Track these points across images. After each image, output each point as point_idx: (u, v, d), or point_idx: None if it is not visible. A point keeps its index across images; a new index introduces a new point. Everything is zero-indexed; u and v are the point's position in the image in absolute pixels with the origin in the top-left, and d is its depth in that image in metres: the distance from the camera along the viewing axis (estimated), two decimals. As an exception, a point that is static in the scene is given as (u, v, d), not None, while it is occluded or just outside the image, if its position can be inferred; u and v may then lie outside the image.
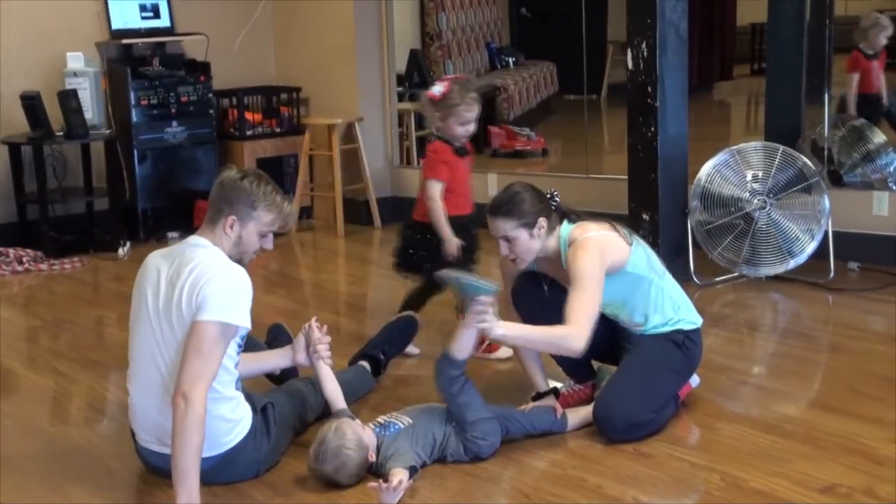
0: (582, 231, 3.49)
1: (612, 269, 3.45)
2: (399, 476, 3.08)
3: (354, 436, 3.20)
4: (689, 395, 3.74)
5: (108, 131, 6.84)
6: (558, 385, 3.77)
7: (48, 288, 5.94)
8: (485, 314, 3.21)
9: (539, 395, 3.67)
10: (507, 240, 3.47)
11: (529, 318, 3.50)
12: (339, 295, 5.78)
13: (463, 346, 3.30)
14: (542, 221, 3.46)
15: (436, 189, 4.17)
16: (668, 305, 3.59)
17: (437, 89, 4.12)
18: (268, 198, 3.23)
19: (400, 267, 4.42)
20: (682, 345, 3.58)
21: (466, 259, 4.20)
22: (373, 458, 3.22)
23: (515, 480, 3.24)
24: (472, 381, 3.37)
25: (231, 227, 3.20)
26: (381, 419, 3.39)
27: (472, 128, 4.18)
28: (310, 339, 3.54)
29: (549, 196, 3.57)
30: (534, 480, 3.24)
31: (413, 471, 3.18)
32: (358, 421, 3.32)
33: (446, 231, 4.16)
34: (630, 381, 3.50)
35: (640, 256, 3.54)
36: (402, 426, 3.33)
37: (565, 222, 3.55)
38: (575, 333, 3.30)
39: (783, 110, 6.21)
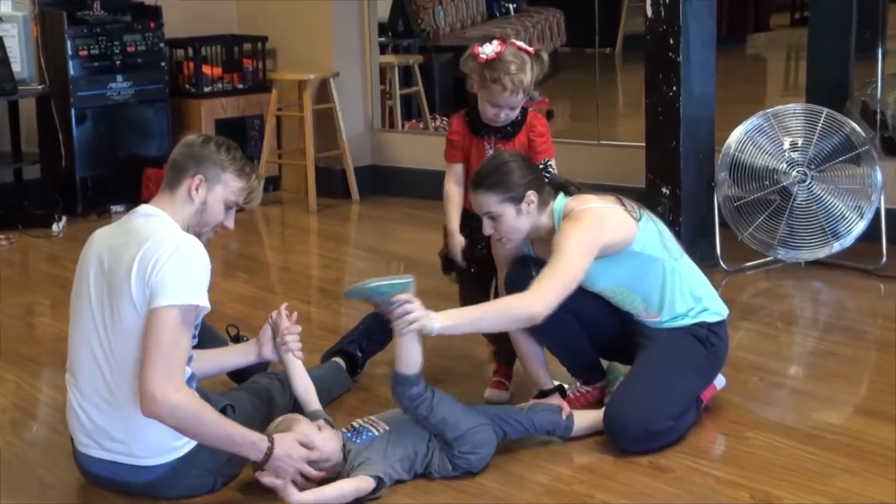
0: (580, 202, 3.50)
1: (616, 248, 3.46)
2: (356, 482, 3.12)
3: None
4: (714, 398, 3.75)
5: (40, 87, 6.80)
6: (564, 385, 3.78)
7: (-30, 270, 5.93)
8: (410, 313, 3.20)
9: (543, 394, 3.68)
10: (492, 217, 3.47)
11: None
12: (310, 280, 5.78)
13: (408, 358, 3.28)
14: (532, 196, 3.46)
15: (448, 172, 3.92)
16: (686, 293, 3.59)
17: (488, 49, 3.70)
18: (237, 163, 3.27)
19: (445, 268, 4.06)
20: (706, 340, 3.58)
21: (481, 268, 3.90)
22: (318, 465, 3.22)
23: (513, 497, 3.25)
24: (439, 390, 3.36)
25: (197, 189, 3.22)
26: (355, 423, 3.40)
27: (505, 115, 3.77)
28: (277, 329, 3.54)
29: (541, 167, 3.56)
30: (534, 497, 3.25)
31: (380, 483, 3.18)
32: (327, 425, 3.33)
33: (449, 223, 3.88)
34: (646, 383, 3.50)
35: (652, 234, 3.54)
36: (375, 433, 3.33)
37: (561, 195, 3.55)
38: (531, 298, 3.31)
39: (828, 67, 6.20)
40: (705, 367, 3.62)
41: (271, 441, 3.12)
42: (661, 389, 3.48)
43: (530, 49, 3.75)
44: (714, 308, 3.64)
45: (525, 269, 3.58)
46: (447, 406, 3.34)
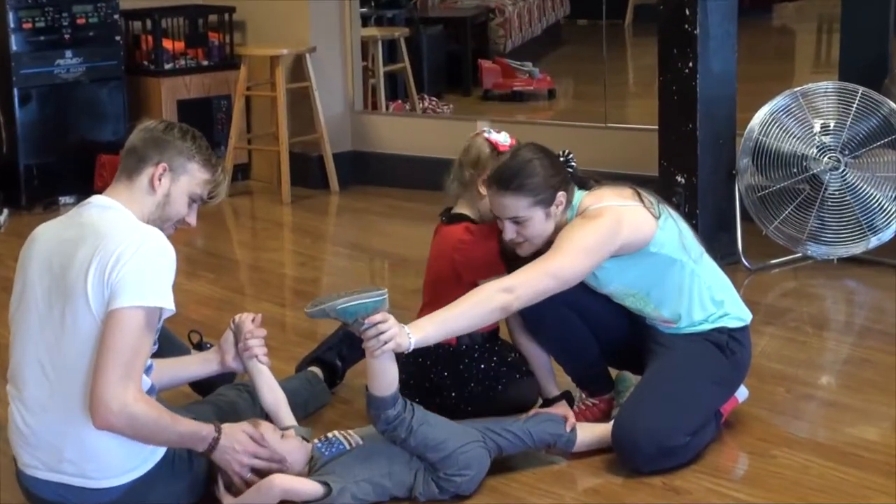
0: (596, 199, 3.51)
1: (631, 248, 3.47)
2: (297, 480, 3.19)
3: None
4: (735, 412, 3.75)
5: (-22, 64, 6.81)
6: (571, 392, 3.79)
7: None
8: (383, 333, 3.19)
9: (547, 403, 3.70)
10: (517, 221, 3.48)
11: (533, 316, 3.52)
12: (283, 280, 5.78)
13: (383, 379, 3.28)
14: (562, 197, 3.48)
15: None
16: (706, 298, 3.60)
17: (506, 139, 3.76)
18: (203, 153, 3.28)
19: None
20: (726, 347, 3.59)
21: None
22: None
23: (510, 523, 3.26)
24: (420, 407, 3.36)
25: (159, 179, 3.22)
26: (329, 434, 3.43)
27: None
28: (239, 334, 3.54)
29: (562, 159, 3.57)
30: (534, 523, 3.26)
31: (328, 492, 3.19)
32: (294, 436, 3.34)
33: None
34: (659, 394, 3.50)
35: (670, 233, 3.55)
36: (347, 447, 3.35)
37: (577, 190, 3.57)
38: (501, 285, 3.32)
39: (864, 40, 6.22)
40: (725, 377, 3.63)
41: (218, 431, 3.19)
42: (675, 401, 3.48)
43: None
44: (735, 312, 3.64)
45: None
46: (429, 425, 3.34)
